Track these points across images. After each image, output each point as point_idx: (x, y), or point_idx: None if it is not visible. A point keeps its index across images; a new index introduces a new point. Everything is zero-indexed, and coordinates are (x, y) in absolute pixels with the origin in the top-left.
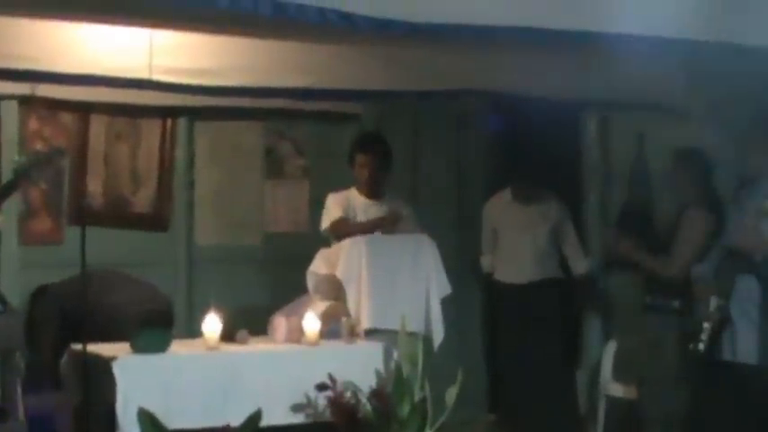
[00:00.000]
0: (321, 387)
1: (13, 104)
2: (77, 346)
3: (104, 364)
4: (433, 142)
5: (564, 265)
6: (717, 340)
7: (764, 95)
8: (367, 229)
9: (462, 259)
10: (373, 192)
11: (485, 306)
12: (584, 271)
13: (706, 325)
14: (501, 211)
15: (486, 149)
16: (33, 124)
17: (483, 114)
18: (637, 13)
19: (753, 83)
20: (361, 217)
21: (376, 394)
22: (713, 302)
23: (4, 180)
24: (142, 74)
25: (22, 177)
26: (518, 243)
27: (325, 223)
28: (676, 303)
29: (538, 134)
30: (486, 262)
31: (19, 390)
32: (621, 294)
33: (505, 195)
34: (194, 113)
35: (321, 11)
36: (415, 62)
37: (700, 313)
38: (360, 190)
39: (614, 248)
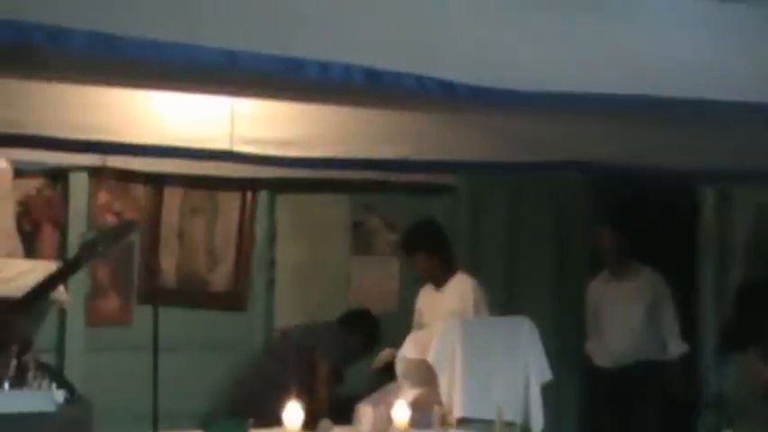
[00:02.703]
0: None
1: (83, 176)
2: None
3: None
4: (532, 216)
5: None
6: None
7: None
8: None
9: (562, 341)
10: (432, 282)
11: (582, 393)
12: (678, 354)
13: None
14: (599, 289)
15: (589, 224)
16: (103, 197)
17: (586, 187)
18: (752, 79)
19: None
20: (426, 308)
21: None
22: None
23: (71, 255)
24: (223, 144)
25: (89, 252)
26: (610, 323)
27: (414, 325)
28: None
29: (646, 207)
30: (589, 346)
31: None
32: (737, 380)
33: (605, 273)
34: (277, 186)
35: (419, 78)
36: (514, 131)
37: None
38: None
39: None
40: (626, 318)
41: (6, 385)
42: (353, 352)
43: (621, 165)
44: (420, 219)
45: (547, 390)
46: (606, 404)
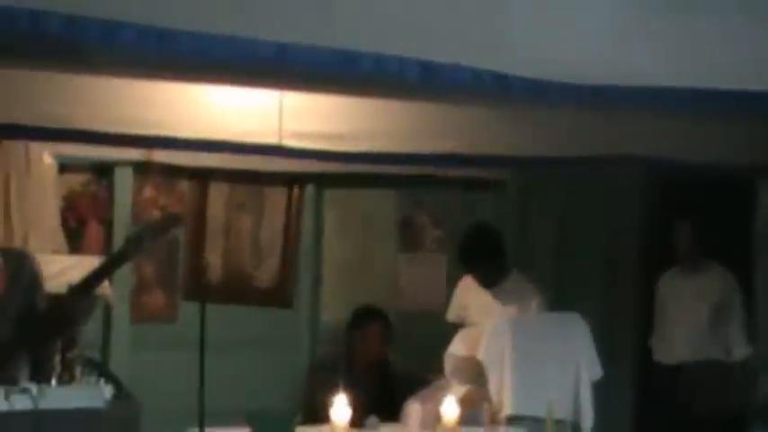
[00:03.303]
0: None
1: (128, 171)
2: (194, 431)
3: None
4: (583, 211)
5: None
6: None
7: None
8: None
9: (614, 338)
10: (484, 284)
11: (638, 390)
12: (741, 358)
13: None
14: (666, 284)
15: (644, 220)
16: (148, 192)
17: (641, 182)
18: None
19: None
20: (474, 306)
21: None
22: None
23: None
24: (271, 139)
25: (133, 247)
26: (672, 318)
27: (450, 315)
28: None
29: (703, 202)
30: (652, 341)
31: None
32: None
33: (677, 268)
34: (324, 181)
35: (475, 72)
36: (566, 125)
37: None
38: None
39: None
40: (690, 315)
41: (54, 381)
42: (361, 349)
43: (677, 160)
44: (476, 224)
45: (599, 387)
46: (662, 402)
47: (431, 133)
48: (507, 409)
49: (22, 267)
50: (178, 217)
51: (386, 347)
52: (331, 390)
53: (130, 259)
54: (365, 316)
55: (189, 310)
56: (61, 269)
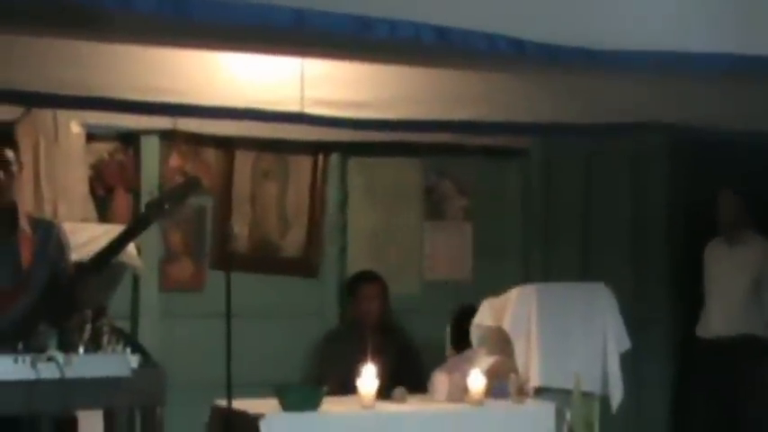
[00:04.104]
0: None
1: (155, 139)
2: (222, 402)
3: (251, 423)
4: (610, 181)
5: None
6: None
7: None
8: None
9: (642, 309)
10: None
11: (675, 362)
12: None
13: None
14: (709, 254)
15: (671, 190)
16: (175, 160)
17: (667, 150)
18: None
19: None
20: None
21: None
22: None
23: None
24: (293, 107)
25: (155, 211)
26: (714, 291)
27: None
28: None
29: (733, 172)
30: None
31: None
32: None
33: (719, 238)
34: (348, 149)
35: (489, 37)
36: (591, 92)
37: None
38: None
39: None
40: (730, 287)
41: (81, 349)
42: (363, 312)
43: (703, 127)
44: (460, 309)
45: (630, 360)
46: (698, 377)
47: (455, 100)
48: (534, 381)
49: (49, 236)
50: (198, 181)
51: (384, 306)
52: (343, 359)
53: (153, 223)
54: (357, 280)
55: (217, 279)
56: (90, 237)
